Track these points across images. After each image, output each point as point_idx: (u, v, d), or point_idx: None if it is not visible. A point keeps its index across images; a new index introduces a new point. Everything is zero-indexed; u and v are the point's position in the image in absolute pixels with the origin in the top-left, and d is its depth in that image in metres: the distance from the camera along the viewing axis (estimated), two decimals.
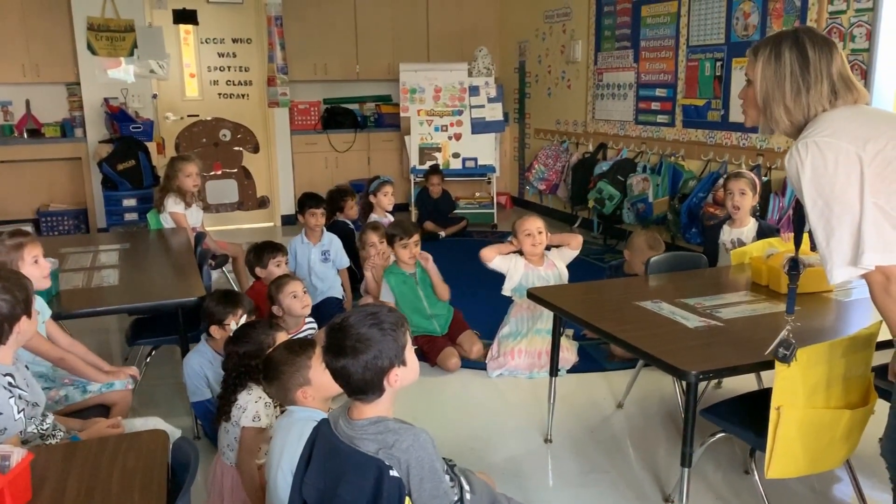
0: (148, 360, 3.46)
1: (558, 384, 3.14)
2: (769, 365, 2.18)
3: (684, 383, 3.16)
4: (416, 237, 3.94)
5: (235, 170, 7.86)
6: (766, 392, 2.51)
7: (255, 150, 7.91)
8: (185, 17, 7.24)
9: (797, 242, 2.06)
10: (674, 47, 6.00)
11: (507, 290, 3.86)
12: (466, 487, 1.81)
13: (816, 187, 1.77)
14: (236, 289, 4.95)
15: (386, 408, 1.68)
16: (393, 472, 1.58)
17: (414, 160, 7.55)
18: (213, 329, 2.92)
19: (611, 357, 3.99)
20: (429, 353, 3.87)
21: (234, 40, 7.63)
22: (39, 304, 2.72)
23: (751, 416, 2.40)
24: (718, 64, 5.55)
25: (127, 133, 6.59)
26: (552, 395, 3.10)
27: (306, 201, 4.60)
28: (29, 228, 6.92)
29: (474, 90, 7.59)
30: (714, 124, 5.66)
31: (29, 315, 2.03)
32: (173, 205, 4.65)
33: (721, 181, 5.30)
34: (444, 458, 1.89)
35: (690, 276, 3.28)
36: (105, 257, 3.77)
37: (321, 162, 8.06)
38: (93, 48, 6.87)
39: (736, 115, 5.44)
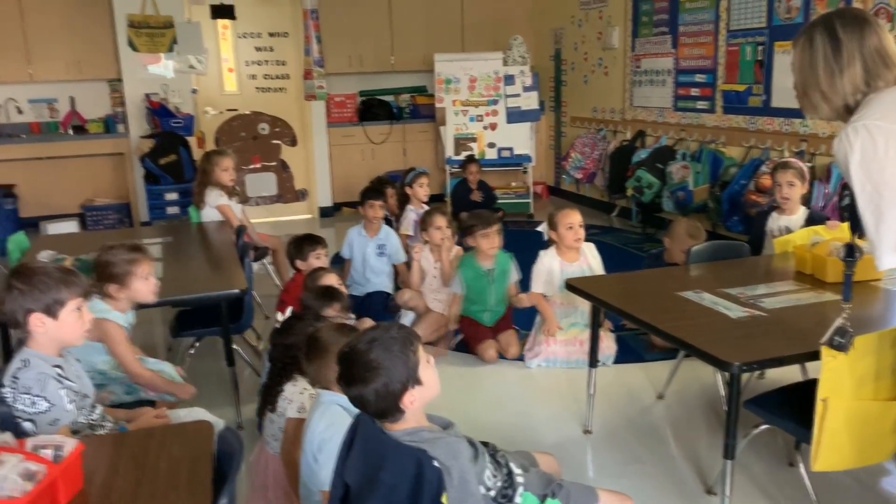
0: (192, 350, 3.52)
1: (597, 375, 3.13)
2: (815, 356, 2.13)
3: (726, 374, 3.13)
4: (496, 226, 3.93)
5: (274, 163, 7.94)
6: (811, 383, 2.46)
7: (293, 143, 7.98)
8: (222, 11, 7.31)
9: (853, 228, 2.00)
10: (713, 32, 5.88)
11: (539, 289, 3.83)
12: (517, 471, 1.80)
13: (865, 172, 1.73)
14: (276, 282, 5.02)
15: (416, 419, 1.68)
16: (435, 463, 1.59)
17: (449, 151, 7.55)
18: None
19: (651, 347, 3.95)
20: (470, 338, 3.89)
21: (271, 34, 7.70)
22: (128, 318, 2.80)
23: (796, 407, 2.36)
24: (760, 48, 5.43)
25: (168, 128, 6.70)
26: (592, 386, 3.09)
27: (365, 193, 4.61)
28: (74, 223, 7.11)
29: (509, 79, 7.54)
30: (755, 110, 5.54)
31: (50, 314, 1.97)
32: (217, 198, 4.69)
33: (764, 168, 5.21)
34: (483, 443, 1.89)
35: (732, 265, 3.22)
36: (150, 251, 3.84)
37: (358, 154, 8.10)
38: (133, 45, 6.98)
39: (778, 100, 5.33)
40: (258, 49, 7.71)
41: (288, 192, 8.10)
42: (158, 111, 6.73)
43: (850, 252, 2.04)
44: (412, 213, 5.10)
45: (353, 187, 8.02)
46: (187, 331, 3.42)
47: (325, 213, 8.10)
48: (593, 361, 3.07)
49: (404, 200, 5.32)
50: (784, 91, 5.25)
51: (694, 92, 6.20)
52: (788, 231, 3.82)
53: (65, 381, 2.02)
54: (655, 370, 3.73)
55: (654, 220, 6.61)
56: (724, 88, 5.84)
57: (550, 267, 3.80)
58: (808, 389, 2.43)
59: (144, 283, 2.69)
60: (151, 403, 2.69)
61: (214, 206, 4.70)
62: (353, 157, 8.08)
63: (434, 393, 1.70)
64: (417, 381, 1.64)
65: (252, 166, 7.85)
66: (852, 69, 1.83)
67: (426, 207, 5.15)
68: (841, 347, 2.03)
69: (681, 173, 6.00)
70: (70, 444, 1.59)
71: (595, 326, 3.03)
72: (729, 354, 2.18)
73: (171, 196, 6.58)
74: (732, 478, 2.30)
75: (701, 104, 6.13)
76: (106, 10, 7.17)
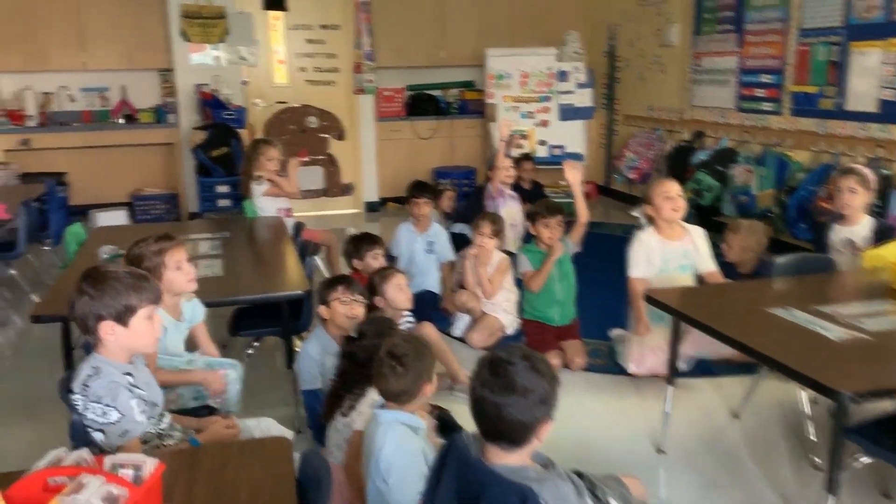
0: (251, 351, 3.44)
1: (664, 389, 2.97)
2: None
3: (811, 394, 2.96)
4: (559, 218, 3.79)
5: (322, 156, 7.85)
6: None
7: (341, 136, 7.88)
8: (274, 2, 7.24)
9: None
10: (783, 31, 5.64)
11: (640, 272, 3.55)
12: None
13: None
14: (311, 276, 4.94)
15: (526, 456, 1.57)
16: (540, 500, 1.47)
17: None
18: (322, 310, 2.87)
19: (723, 360, 3.77)
20: (534, 345, 3.73)
21: (323, 26, 7.62)
22: (191, 308, 2.72)
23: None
24: (835, 48, 5.18)
25: (220, 120, 6.66)
26: (668, 404, 2.93)
27: (410, 190, 4.51)
28: (124, 212, 7.12)
29: (563, 75, 7.36)
30: (827, 113, 5.30)
31: (120, 322, 1.89)
32: (261, 188, 4.62)
33: (836, 174, 4.97)
34: (578, 473, 1.77)
35: (820, 280, 3.05)
36: (206, 246, 3.77)
37: (404, 149, 7.99)
38: (186, 35, 6.96)
39: (854, 103, 5.09)
40: (309, 41, 7.63)
41: (335, 187, 8.01)
42: (211, 103, 6.70)
43: None
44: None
45: (399, 182, 7.93)
46: (247, 330, 3.34)
47: (372, 207, 8.02)
48: (672, 378, 2.91)
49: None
50: (860, 94, 5.01)
51: (759, 93, 5.97)
52: (852, 244, 3.61)
53: (135, 389, 1.93)
54: (727, 385, 3.56)
55: (712, 223, 6.38)
56: (794, 90, 5.60)
57: (649, 245, 3.52)
58: None
59: (178, 273, 2.57)
60: (214, 409, 2.61)
61: (262, 195, 4.63)
62: (400, 152, 7.98)
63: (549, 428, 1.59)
64: (552, 419, 1.56)
65: (301, 160, 7.78)
66: None
67: (511, 193, 5.05)
68: None
69: (744, 177, 5.79)
70: (150, 464, 1.49)
71: (675, 340, 2.87)
72: (837, 382, 2.02)
73: (223, 188, 6.54)
74: None
75: (766, 105, 5.89)
76: (159, 0, 7.15)
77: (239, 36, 7.09)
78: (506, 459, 1.55)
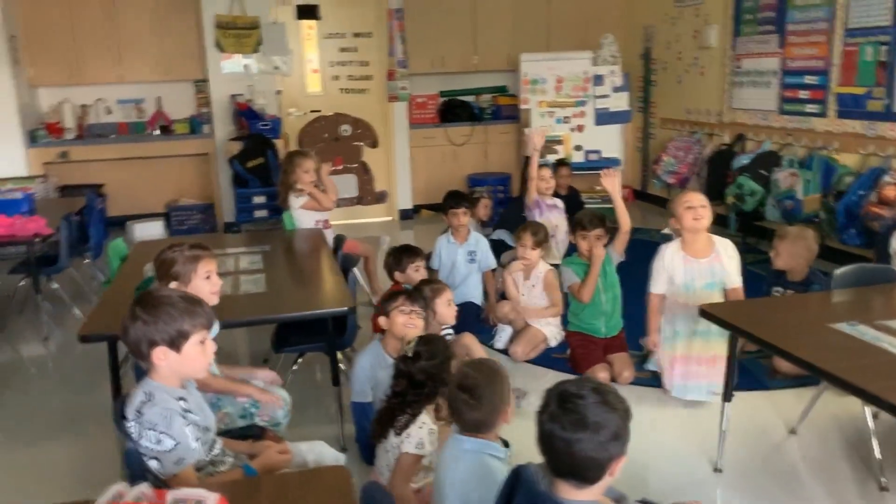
0: (295, 367, 3.41)
1: (716, 405, 2.88)
2: None
3: (873, 409, 2.84)
4: (596, 231, 3.73)
5: (355, 164, 7.83)
6: None
7: (374, 144, 7.85)
8: (307, 12, 7.25)
9: None
10: (828, 31, 5.50)
11: (659, 289, 3.53)
12: None
13: None
14: (367, 291, 4.90)
15: (599, 492, 1.50)
16: None
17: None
18: (382, 320, 2.83)
19: (773, 374, 3.66)
20: (580, 359, 3.68)
21: (356, 34, 7.61)
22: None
23: None
24: (884, 48, 5.03)
25: (256, 130, 6.67)
26: (725, 422, 2.84)
27: (447, 200, 4.45)
28: (160, 223, 7.17)
29: (598, 79, 7.27)
30: (876, 115, 5.14)
31: (173, 347, 1.86)
32: (299, 200, 4.60)
33: (887, 178, 4.83)
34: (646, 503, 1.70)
35: (883, 291, 2.93)
36: (246, 261, 3.75)
37: (439, 156, 7.95)
38: (221, 45, 6.99)
39: None
40: (342, 50, 7.63)
41: (368, 195, 7.97)
42: (246, 113, 6.71)
43: None
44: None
45: (433, 190, 7.90)
46: (291, 346, 3.31)
47: (405, 215, 7.99)
48: (728, 394, 2.81)
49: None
50: None
51: (803, 94, 5.82)
52: None
53: (189, 415, 1.90)
54: (781, 400, 3.45)
55: (755, 229, 6.25)
56: (840, 91, 5.45)
57: (672, 262, 3.47)
58: None
59: (206, 283, 2.54)
60: (262, 430, 2.58)
61: (299, 208, 4.62)
62: (434, 159, 7.94)
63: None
64: (624, 455, 1.50)
65: (334, 168, 7.77)
66: None
67: (550, 201, 4.99)
68: None
69: (788, 181, 5.64)
70: (212, 500, 1.46)
71: (732, 357, 2.77)
72: None
73: (259, 199, 6.55)
74: None
75: (811, 107, 5.74)
76: (193, 11, 7.20)
77: (273, 45, 7.10)
78: (577, 496, 1.48)
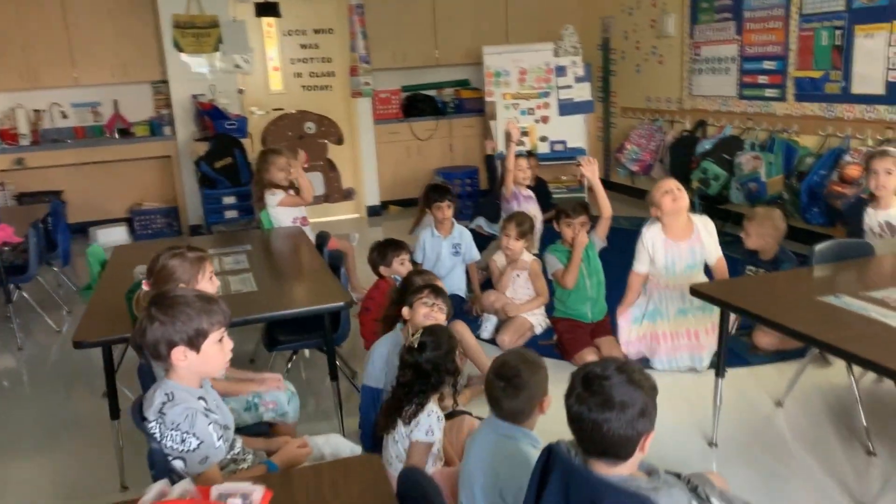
0: (290, 365, 3.40)
1: (702, 381, 2.97)
2: None
3: (858, 379, 2.96)
4: (581, 218, 3.81)
5: (321, 162, 7.78)
6: None
7: (339, 141, 7.81)
8: (267, 9, 7.15)
9: None
10: (784, 17, 5.67)
11: (640, 268, 3.65)
12: None
13: None
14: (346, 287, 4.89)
15: (634, 467, 1.54)
16: None
17: (501, 146, 7.37)
18: (405, 311, 2.85)
19: (753, 350, 3.78)
20: (569, 344, 3.74)
21: (317, 31, 7.55)
22: None
23: None
24: (838, 32, 5.21)
25: (222, 130, 6.57)
26: (719, 397, 2.93)
27: (430, 194, 4.46)
28: (123, 228, 7.02)
29: (561, 70, 7.35)
30: (833, 97, 5.33)
31: (192, 347, 1.86)
32: (276, 197, 4.57)
33: (848, 157, 5.01)
34: (679, 475, 1.75)
35: (860, 265, 3.05)
36: (230, 261, 3.71)
37: (404, 151, 7.96)
38: (179, 45, 6.84)
39: (859, 86, 5.12)
40: (303, 46, 7.57)
41: (335, 192, 7.93)
42: (212, 113, 6.61)
43: None
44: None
45: (400, 185, 7.92)
46: (285, 343, 3.29)
47: (373, 211, 7.97)
48: (721, 370, 2.90)
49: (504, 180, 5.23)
50: (866, 76, 5.04)
51: (762, 79, 5.99)
52: (890, 226, 3.65)
53: (211, 414, 1.89)
54: (764, 374, 3.57)
55: (719, 212, 6.41)
56: (797, 75, 5.63)
57: (654, 245, 3.60)
58: None
59: (209, 284, 2.53)
60: (269, 426, 2.57)
61: (276, 206, 4.59)
62: (400, 154, 7.94)
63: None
64: (653, 429, 1.53)
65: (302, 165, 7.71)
66: None
67: (526, 192, 5.03)
68: None
69: (752, 164, 5.80)
70: (258, 492, 1.46)
71: (724, 333, 2.86)
72: None
73: (229, 200, 6.46)
74: None
75: (770, 92, 5.92)
76: (149, 11, 7.06)
77: (233, 44, 6.98)
78: (611, 471, 1.52)
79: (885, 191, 3.63)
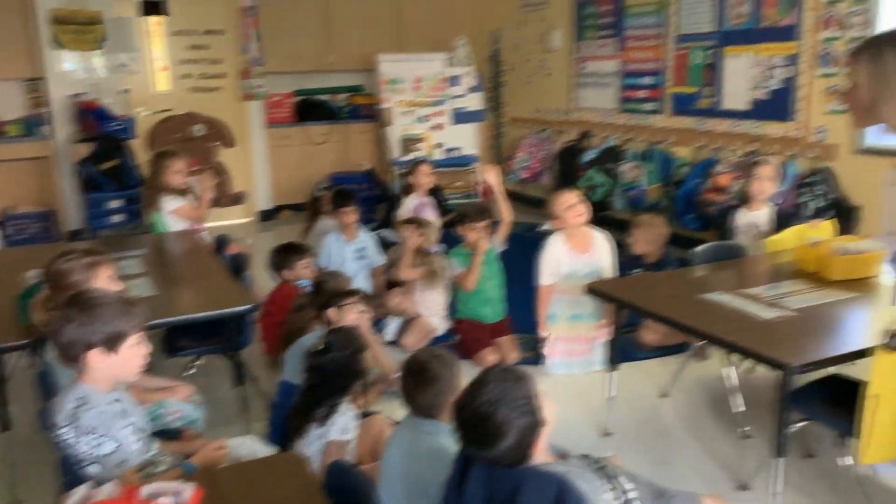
0: (192, 371, 3.33)
1: (594, 376, 3.18)
2: (863, 354, 2.24)
3: (734, 371, 3.25)
4: (484, 223, 3.92)
5: (210, 166, 7.59)
6: (835, 378, 2.61)
7: (230, 144, 7.66)
8: (154, 8, 6.95)
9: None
10: (662, 35, 6.07)
11: (547, 281, 3.80)
12: (629, 485, 1.79)
13: None
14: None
15: (543, 455, 1.65)
16: (575, 488, 1.56)
17: (396, 152, 7.46)
18: (332, 312, 2.84)
19: (639, 346, 4.04)
20: (469, 343, 3.86)
21: (207, 32, 7.36)
22: None
23: (829, 402, 2.48)
24: (709, 52, 5.64)
25: (107, 131, 6.29)
26: (613, 388, 3.13)
27: (336, 200, 4.48)
28: None
29: (455, 80, 7.53)
30: (705, 112, 5.76)
31: (110, 349, 1.82)
32: (171, 203, 4.46)
33: (719, 167, 5.43)
34: (587, 456, 1.87)
35: (735, 265, 3.35)
36: (124, 265, 3.58)
37: (298, 155, 7.89)
38: (59, 42, 6.52)
39: (729, 102, 5.56)
40: (193, 47, 7.35)
41: (225, 196, 7.76)
42: (96, 113, 6.31)
43: None
44: (412, 202, 5.13)
45: (294, 189, 7.83)
46: (187, 349, 3.22)
47: (266, 216, 7.85)
48: (613, 363, 3.10)
49: (408, 190, 5.36)
50: (734, 94, 5.49)
51: (641, 94, 6.38)
52: (755, 227, 4.02)
53: (127, 416, 1.86)
54: (649, 368, 3.82)
55: (603, 218, 6.76)
56: (673, 91, 6.04)
57: (558, 254, 3.76)
58: (834, 384, 2.57)
59: (109, 288, 2.43)
60: (175, 432, 2.53)
61: (171, 212, 4.47)
62: (293, 159, 7.86)
63: (551, 425, 1.67)
64: (543, 423, 1.62)
65: (190, 170, 7.48)
66: None
67: (425, 199, 5.09)
68: None
69: (633, 173, 6.17)
70: (188, 490, 1.46)
71: (618, 330, 3.06)
72: (785, 356, 2.26)
73: (117, 203, 6.19)
74: (783, 475, 2.38)
75: (648, 106, 6.32)
76: (21, 5, 6.65)
77: (117, 42, 6.73)
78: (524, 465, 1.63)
79: (763, 195, 4.00)
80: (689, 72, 5.86)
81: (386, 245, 5.00)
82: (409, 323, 4.20)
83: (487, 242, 3.92)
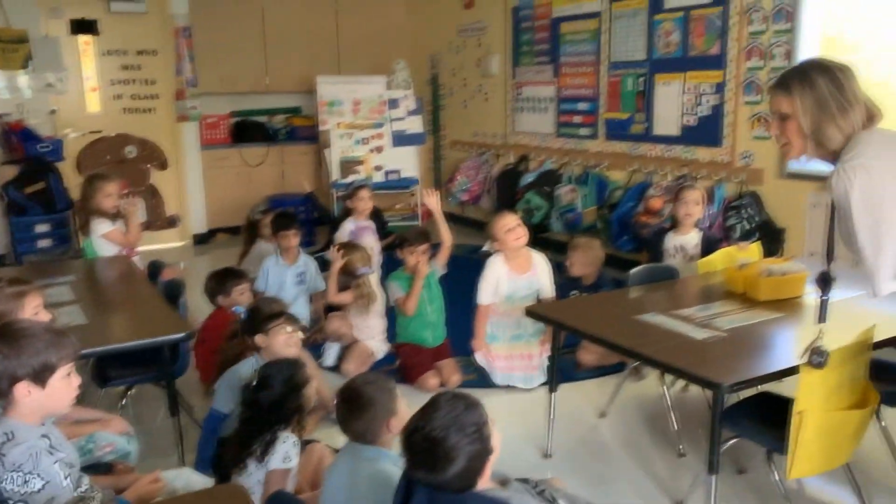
0: (124, 402, 3.22)
1: (534, 397, 3.21)
2: (791, 372, 2.33)
3: (669, 389, 3.34)
4: (423, 246, 3.93)
5: (142, 188, 7.42)
6: (765, 395, 2.70)
7: (163, 166, 7.51)
8: (84, 27, 6.79)
9: (829, 257, 2.21)
10: (595, 63, 6.24)
11: (486, 300, 3.85)
12: None
13: (866, 207, 1.92)
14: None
15: (486, 481, 1.65)
16: None
17: (335, 174, 7.43)
18: (260, 338, 2.79)
19: (578, 367, 4.10)
20: (410, 367, 3.86)
21: (139, 52, 7.22)
22: None
23: (759, 419, 2.57)
24: (641, 79, 5.83)
25: (34, 153, 6.07)
26: (553, 410, 3.16)
27: (276, 222, 4.43)
28: None
29: (394, 103, 7.57)
30: (638, 136, 5.94)
31: (38, 382, 1.76)
32: (102, 226, 4.35)
33: (651, 191, 5.59)
34: (527, 480, 1.90)
35: (668, 286, 3.44)
36: (53, 293, 3.46)
37: (234, 177, 7.78)
38: None
39: (659, 128, 5.75)
40: (125, 67, 7.19)
41: (158, 219, 7.59)
42: (23, 134, 6.09)
43: (826, 279, 2.26)
44: (350, 225, 5.09)
45: (229, 212, 7.70)
46: (121, 379, 3.12)
47: (200, 239, 7.70)
48: (554, 385, 3.14)
49: (346, 214, 5.32)
50: (665, 120, 5.68)
51: (576, 119, 6.54)
52: (683, 249, 4.16)
53: (56, 452, 1.79)
54: (587, 389, 3.88)
55: (541, 240, 6.86)
56: (607, 117, 6.21)
57: (499, 275, 3.82)
58: (764, 401, 2.66)
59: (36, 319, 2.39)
60: (107, 466, 2.44)
61: (101, 237, 4.35)
62: (229, 181, 7.75)
63: (497, 453, 1.68)
64: (491, 451, 1.63)
65: (121, 193, 7.29)
66: (858, 105, 2.00)
67: (364, 223, 5.07)
68: (819, 365, 2.22)
69: (569, 196, 6.30)
70: None
71: (556, 351, 3.11)
72: (716, 375, 2.33)
73: (43, 228, 5.97)
74: (717, 492, 2.45)
75: (584, 131, 6.47)
76: None
77: (45, 61, 6.55)
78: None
79: (690, 219, 4.14)
80: (622, 98, 6.04)
81: (327, 268, 4.96)
82: (348, 348, 4.16)
83: (428, 266, 3.93)
